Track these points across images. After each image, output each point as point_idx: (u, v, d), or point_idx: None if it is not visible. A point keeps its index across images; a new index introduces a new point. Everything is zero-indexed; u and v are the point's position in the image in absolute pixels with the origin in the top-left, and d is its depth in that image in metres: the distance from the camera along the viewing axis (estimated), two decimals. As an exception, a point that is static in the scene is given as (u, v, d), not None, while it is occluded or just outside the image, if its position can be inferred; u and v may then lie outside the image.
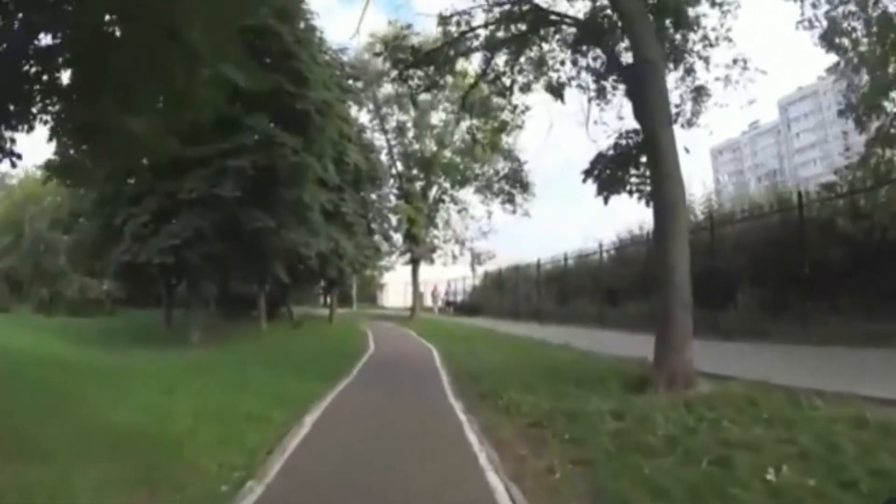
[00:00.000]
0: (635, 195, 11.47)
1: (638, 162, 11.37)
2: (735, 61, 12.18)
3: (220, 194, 18.53)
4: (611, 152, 11.65)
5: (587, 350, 13.79)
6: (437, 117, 39.27)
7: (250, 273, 22.49)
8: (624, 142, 11.50)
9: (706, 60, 12.11)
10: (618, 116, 12.35)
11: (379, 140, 38.81)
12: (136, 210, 19.86)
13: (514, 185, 15.66)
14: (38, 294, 39.78)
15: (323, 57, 25.21)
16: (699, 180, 40.16)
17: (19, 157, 8.89)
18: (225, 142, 19.22)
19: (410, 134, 39.85)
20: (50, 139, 9.07)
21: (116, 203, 20.64)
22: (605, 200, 11.67)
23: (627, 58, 11.26)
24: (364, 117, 38.07)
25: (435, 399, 9.60)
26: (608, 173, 11.70)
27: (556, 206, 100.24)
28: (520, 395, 8.69)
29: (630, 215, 51.01)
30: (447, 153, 39.53)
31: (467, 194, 39.65)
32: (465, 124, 38.73)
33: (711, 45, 12.03)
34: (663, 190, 9.69)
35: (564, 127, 57.53)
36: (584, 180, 11.88)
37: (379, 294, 66.93)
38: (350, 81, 31.64)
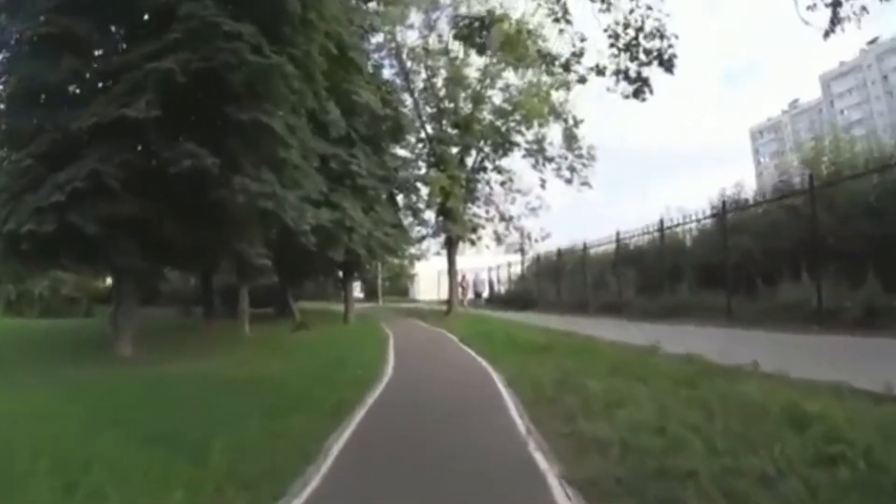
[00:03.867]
0: None
1: None
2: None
3: (130, 117, 11.11)
4: None
5: (805, 380, 6.73)
6: (472, 73, 31.53)
7: (199, 252, 14.67)
8: None
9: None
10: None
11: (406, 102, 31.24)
12: (18, 155, 12.56)
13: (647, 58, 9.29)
14: (6, 293, 33.45)
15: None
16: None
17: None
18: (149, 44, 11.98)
19: (442, 93, 31.88)
20: None
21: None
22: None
23: None
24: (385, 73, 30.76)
25: None
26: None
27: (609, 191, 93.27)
28: None
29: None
30: (486, 114, 31.80)
31: (512, 162, 32.92)
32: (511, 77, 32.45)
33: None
34: None
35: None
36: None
37: (410, 286, 60.21)
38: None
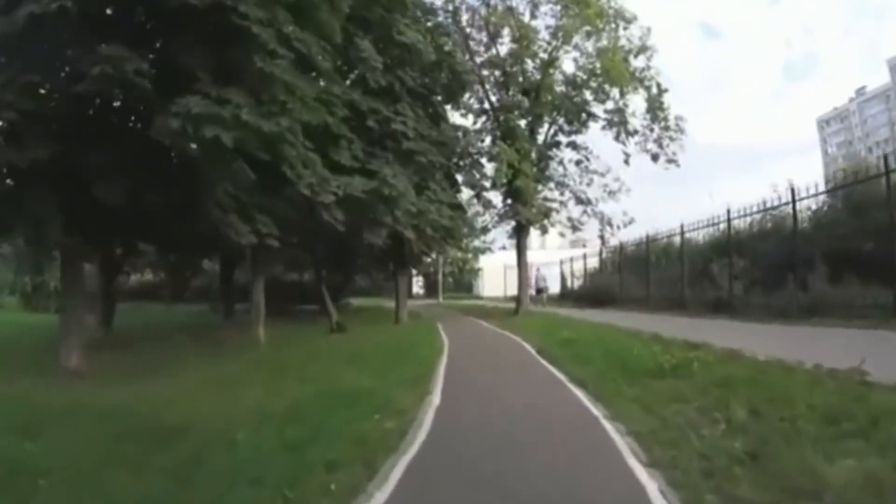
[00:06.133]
0: None
1: None
2: None
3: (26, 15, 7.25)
4: None
5: None
6: (540, 36, 27.12)
7: (158, 222, 10.21)
8: None
9: None
10: None
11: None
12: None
13: None
14: (22, 285, 32.01)
15: None
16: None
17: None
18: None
19: (507, 59, 27.42)
20: None
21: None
22: None
23: None
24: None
25: None
26: None
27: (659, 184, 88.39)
28: None
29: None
30: (558, 83, 27.48)
31: (588, 138, 28.00)
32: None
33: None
34: None
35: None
36: None
37: (474, 282, 56.57)
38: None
